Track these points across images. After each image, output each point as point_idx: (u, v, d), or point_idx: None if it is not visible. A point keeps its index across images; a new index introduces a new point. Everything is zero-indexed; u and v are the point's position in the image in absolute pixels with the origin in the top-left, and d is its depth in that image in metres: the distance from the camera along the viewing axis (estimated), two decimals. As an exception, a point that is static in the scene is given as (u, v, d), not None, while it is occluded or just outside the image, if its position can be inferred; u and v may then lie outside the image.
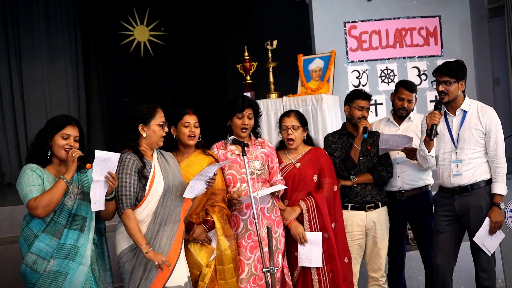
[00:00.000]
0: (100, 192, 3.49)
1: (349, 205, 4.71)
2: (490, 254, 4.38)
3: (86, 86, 9.90)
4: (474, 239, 4.34)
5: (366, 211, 4.73)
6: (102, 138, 10.03)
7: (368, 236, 4.77)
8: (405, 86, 4.97)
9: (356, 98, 4.79)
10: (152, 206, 3.72)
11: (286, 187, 4.38)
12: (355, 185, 4.72)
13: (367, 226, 4.74)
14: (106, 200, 3.57)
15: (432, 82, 4.48)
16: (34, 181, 3.51)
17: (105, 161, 3.44)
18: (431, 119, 4.31)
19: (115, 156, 3.49)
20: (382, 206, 4.79)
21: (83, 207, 3.60)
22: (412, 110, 5.03)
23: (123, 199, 3.63)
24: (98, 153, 3.40)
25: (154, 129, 3.80)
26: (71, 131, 3.63)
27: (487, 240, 4.33)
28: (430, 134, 4.31)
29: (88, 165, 3.54)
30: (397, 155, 4.88)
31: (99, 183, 3.46)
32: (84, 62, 9.86)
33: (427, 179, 4.97)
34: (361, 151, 4.76)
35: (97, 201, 3.49)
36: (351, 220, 4.69)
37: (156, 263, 3.52)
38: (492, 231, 4.29)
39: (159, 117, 3.83)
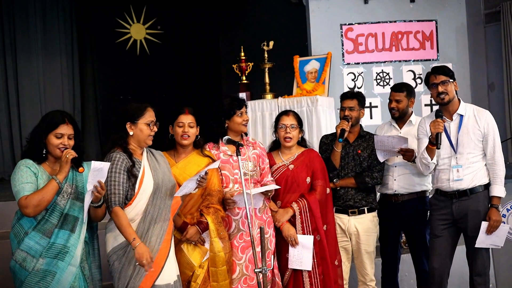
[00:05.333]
0: (87, 200, 3.50)
1: (334, 207, 4.72)
2: (501, 246, 4.42)
3: (81, 83, 9.86)
4: (476, 245, 4.34)
5: (349, 215, 4.74)
6: (96, 135, 10.00)
7: (352, 240, 4.78)
8: (392, 87, 5.06)
9: (343, 99, 4.86)
10: (142, 205, 3.72)
11: (278, 187, 4.38)
12: (338, 188, 4.73)
13: (349, 231, 4.75)
14: (94, 207, 3.58)
15: (429, 87, 4.49)
16: (27, 178, 3.49)
17: (99, 171, 3.44)
18: (436, 128, 4.28)
19: (107, 166, 3.49)
20: (369, 212, 4.77)
21: (75, 207, 3.59)
22: (408, 112, 5.00)
23: (111, 198, 3.63)
24: (94, 164, 3.39)
25: (142, 128, 3.79)
26: (65, 129, 3.60)
27: (492, 238, 4.34)
28: (436, 143, 4.27)
29: (80, 169, 3.52)
30: (396, 159, 4.87)
31: (89, 192, 3.46)
32: (79, 59, 9.82)
33: (425, 185, 4.93)
34: (351, 155, 4.77)
35: (85, 210, 3.50)
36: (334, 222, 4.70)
37: (137, 263, 3.51)
38: (490, 230, 4.29)
39: (148, 116, 3.81)
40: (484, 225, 4.30)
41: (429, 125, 4.38)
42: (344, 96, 4.87)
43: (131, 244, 3.54)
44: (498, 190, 4.34)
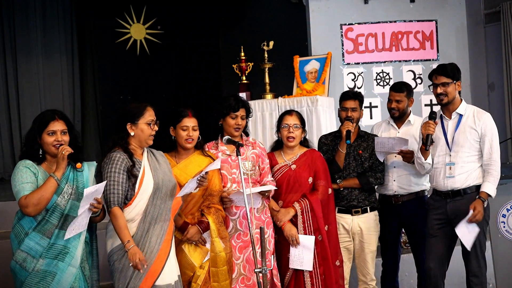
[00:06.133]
0: (84, 217, 3.49)
1: (336, 207, 4.71)
2: (468, 249, 4.33)
3: (81, 83, 9.86)
4: (455, 229, 4.30)
5: (352, 215, 4.75)
6: (96, 135, 10.00)
7: (355, 240, 4.79)
8: (392, 87, 5.04)
9: (343, 99, 4.83)
10: (142, 205, 3.71)
11: (276, 188, 4.37)
12: (342, 189, 4.73)
13: (353, 230, 4.75)
14: (93, 216, 3.60)
15: (429, 87, 4.50)
16: (27, 178, 3.50)
17: (93, 194, 3.44)
18: (426, 129, 4.32)
19: (101, 186, 3.49)
20: (371, 211, 4.78)
21: (76, 207, 3.57)
22: (407, 111, 5.01)
23: (111, 198, 3.62)
24: (87, 191, 3.39)
25: (142, 128, 3.78)
26: (56, 126, 3.60)
27: (466, 234, 4.29)
28: (426, 144, 4.33)
29: (78, 165, 3.53)
30: (394, 158, 4.88)
31: (84, 212, 3.46)
32: (79, 59, 9.82)
33: (424, 184, 4.95)
34: (352, 155, 4.77)
35: (76, 228, 3.48)
36: (337, 223, 4.70)
37: (131, 264, 3.50)
38: (471, 219, 4.24)
39: (148, 116, 3.80)
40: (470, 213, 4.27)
41: (421, 126, 4.41)
42: (346, 97, 4.84)
43: (125, 246, 3.53)
44: (489, 187, 4.29)
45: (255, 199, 4.18)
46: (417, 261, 5.00)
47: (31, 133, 3.64)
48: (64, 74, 9.58)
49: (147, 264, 3.56)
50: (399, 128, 5.01)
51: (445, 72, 4.38)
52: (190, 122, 4.13)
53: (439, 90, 4.38)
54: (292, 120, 4.52)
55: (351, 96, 4.82)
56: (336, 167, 4.69)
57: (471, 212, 4.26)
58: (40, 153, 3.61)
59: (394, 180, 4.90)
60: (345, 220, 4.76)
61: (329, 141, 4.87)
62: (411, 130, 4.93)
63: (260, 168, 4.42)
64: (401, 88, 4.97)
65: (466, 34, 7.41)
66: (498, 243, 5.04)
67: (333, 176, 4.69)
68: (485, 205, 4.31)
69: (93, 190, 3.42)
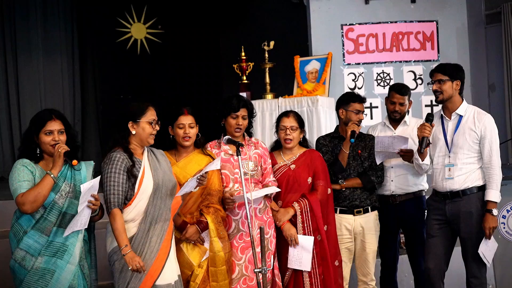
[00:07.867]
0: (85, 215, 3.51)
1: (338, 208, 4.70)
2: (488, 265, 4.36)
3: (81, 83, 9.88)
4: (478, 251, 4.31)
5: (354, 215, 4.74)
6: (97, 135, 10.02)
7: (356, 240, 4.77)
8: (396, 89, 4.97)
9: (353, 102, 4.77)
10: (142, 205, 3.71)
11: (279, 189, 4.36)
12: (344, 189, 4.72)
13: (355, 230, 4.74)
14: (92, 216, 3.61)
15: (428, 84, 4.49)
16: (24, 176, 3.51)
17: (90, 190, 3.46)
18: (422, 132, 4.32)
19: (96, 181, 3.51)
20: (372, 211, 4.77)
21: (73, 205, 3.59)
22: (407, 113, 5.02)
23: (111, 199, 3.62)
24: (83, 187, 3.42)
25: (144, 127, 3.78)
26: (53, 125, 3.63)
27: (487, 250, 4.32)
28: (420, 146, 4.34)
29: (74, 162, 3.55)
30: (392, 160, 4.87)
31: (84, 210, 3.48)
32: (80, 58, 9.84)
33: (421, 184, 4.96)
34: (352, 155, 4.75)
35: (74, 225, 3.50)
36: (339, 223, 4.68)
37: (130, 267, 3.51)
38: (488, 237, 4.27)
39: (150, 115, 3.81)
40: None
41: (417, 128, 4.41)
42: (356, 99, 4.76)
43: (122, 251, 3.54)
44: (493, 194, 4.29)
45: (256, 199, 4.18)
46: (412, 262, 5.00)
47: (28, 133, 3.67)
48: (65, 73, 9.59)
49: (145, 268, 3.56)
50: (395, 129, 5.01)
51: (442, 70, 4.38)
52: (186, 119, 4.12)
53: (434, 87, 4.38)
54: (288, 122, 4.51)
55: (362, 100, 4.78)
56: (340, 167, 4.67)
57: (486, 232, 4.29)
58: (38, 152, 3.63)
59: (392, 180, 4.90)
60: (347, 220, 4.74)
61: (328, 142, 4.86)
62: (407, 130, 4.93)
63: (262, 168, 4.41)
64: (406, 91, 4.95)
65: (466, 35, 7.40)
66: (498, 244, 5.03)
67: (337, 176, 4.68)
68: (496, 213, 4.30)
69: (89, 186, 3.44)
